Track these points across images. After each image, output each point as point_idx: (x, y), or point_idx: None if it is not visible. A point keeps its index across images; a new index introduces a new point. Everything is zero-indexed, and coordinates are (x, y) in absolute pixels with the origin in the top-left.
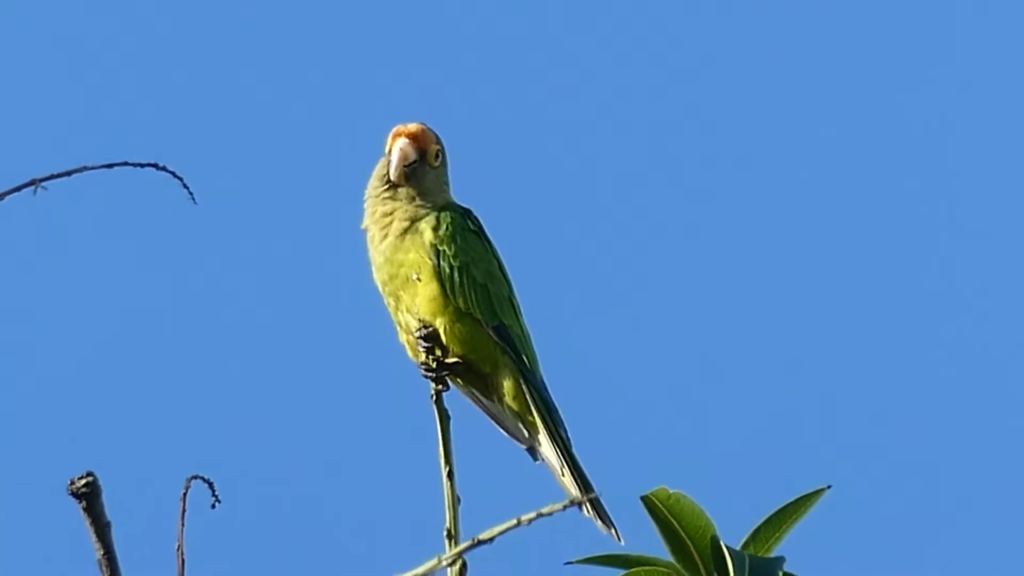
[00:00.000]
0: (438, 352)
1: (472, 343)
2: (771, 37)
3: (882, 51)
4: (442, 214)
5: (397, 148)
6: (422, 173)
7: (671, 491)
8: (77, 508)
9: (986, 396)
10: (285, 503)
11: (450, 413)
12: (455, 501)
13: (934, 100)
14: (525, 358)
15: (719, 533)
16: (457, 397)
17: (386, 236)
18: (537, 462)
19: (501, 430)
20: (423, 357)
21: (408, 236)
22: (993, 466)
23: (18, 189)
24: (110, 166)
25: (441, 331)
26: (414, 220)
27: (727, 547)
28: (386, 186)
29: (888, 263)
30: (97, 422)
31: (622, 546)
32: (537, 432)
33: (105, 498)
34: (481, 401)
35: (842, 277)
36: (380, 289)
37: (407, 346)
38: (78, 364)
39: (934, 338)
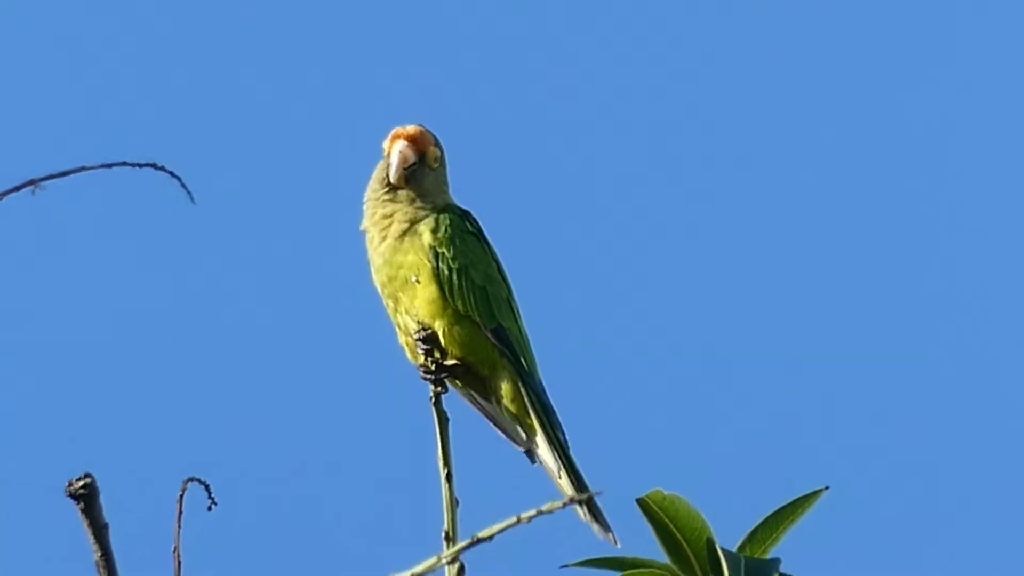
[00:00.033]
0: (437, 354)
1: (470, 345)
2: (771, 37)
3: (882, 51)
4: (441, 216)
5: (396, 151)
6: (421, 175)
7: (667, 493)
8: (75, 509)
9: (985, 396)
10: (283, 505)
11: (449, 415)
12: (453, 503)
13: (934, 100)
14: (523, 360)
15: (715, 535)
16: (456, 399)
17: (385, 238)
18: (535, 464)
19: (499, 432)
20: (422, 359)
21: (407, 238)
22: (991, 466)
23: (16, 189)
24: (108, 166)
25: (440, 333)
26: (413, 222)
27: (723, 549)
28: (386, 189)
29: (887, 262)
30: (95, 423)
31: (618, 548)
32: (535, 434)
33: (103, 500)
34: (479, 403)
35: (840, 277)
36: (379, 291)
37: (406, 348)
38: (76, 365)
39: (932, 338)
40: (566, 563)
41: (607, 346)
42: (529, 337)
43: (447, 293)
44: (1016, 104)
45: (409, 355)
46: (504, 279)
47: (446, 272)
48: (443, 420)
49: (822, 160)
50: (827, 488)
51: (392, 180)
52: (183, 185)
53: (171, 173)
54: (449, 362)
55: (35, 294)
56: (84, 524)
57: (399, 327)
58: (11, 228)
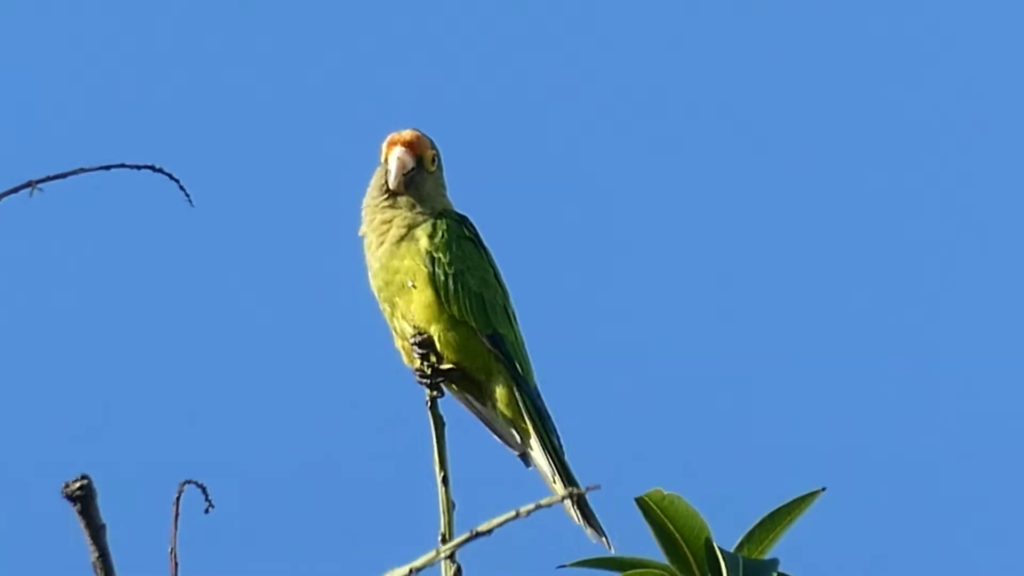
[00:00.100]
0: (433, 358)
1: (466, 351)
2: (771, 36)
3: (881, 51)
4: (438, 221)
5: (394, 157)
6: (420, 180)
7: (665, 493)
8: (72, 511)
9: (984, 396)
10: (279, 507)
11: (445, 419)
12: (450, 506)
13: (934, 100)
14: (519, 366)
15: (713, 535)
16: (452, 403)
17: (383, 243)
18: (530, 468)
19: (494, 436)
20: (418, 363)
21: (404, 243)
22: (990, 466)
23: (15, 191)
24: (107, 168)
25: (435, 338)
26: (411, 227)
27: (721, 549)
28: (385, 195)
29: (887, 262)
30: (92, 424)
31: (612, 552)
32: (529, 439)
33: (100, 501)
34: (475, 407)
35: (839, 276)
36: (376, 295)
37: (403, 352)
38: (74, 366)
39: (931, 337)
40: (564, 563)
41: (606, 346)
42: (525, 342)
43: (443, 298)
44: (1016, 104)
45: (406, 359)
46: (501, 284)
47: (442, 277)
48: (439, 424)
49: (822, 160)
50: (824, 489)
51: (391, 187)
52: (181, 187)
53: (169, 175)
54: (445, 366)
55: (33, 296)
56: (81, 525)
57: (396, 331)
58: (9, 230)
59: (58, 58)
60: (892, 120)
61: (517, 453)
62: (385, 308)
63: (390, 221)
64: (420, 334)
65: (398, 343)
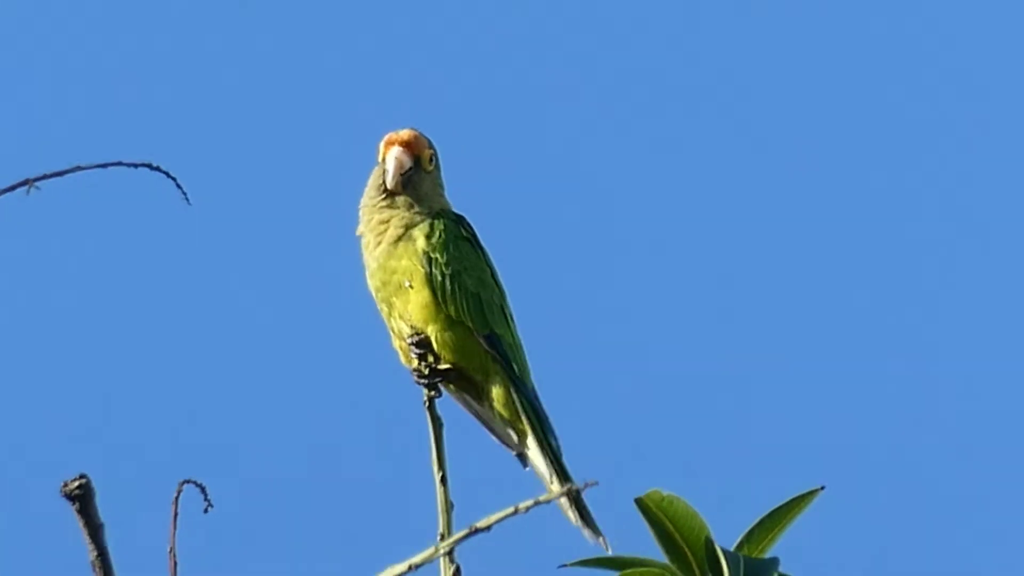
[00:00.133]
0: (430, 358)
1: (463, 351)
2: (771, 36)
3: (881, 51)
4: (435, 221)
5: (392, 157)
6: (418, 179)
7: (665, 493)
8: (71, 510)
9: (984, 396)
10: (277, 507)
11: (443, 419)
12: (448, 506)
13: (934, 100)
14: (515, 367)
15: (713, 534)
16: (449, 403)
17: (380, 243)
18: (527, 468)
19: (492, 436)
20: (416, 363)
21: (401, 243)
22: (991, 466)
23: (11, 189)
24: (104, 166)
25: (433, 338)
26: (409, 227)
27: (721, 548)
28: (383, 195)
29: (885, 262)
30: (90, 423)
31: (610, 552)
32: (526, 439)
33: (98, 500)
34: (473, 407)
35: (839, 276)
36: (373, 295)
37: (400, 352)
38: (71, 364)
39: (930, 338)
40: (564, 563)
41: (605, 346)
42: (522, 343)
43: (440, 298)
44: (1016, 104)
45: (403, 359)
46: (498, 285)
47: (439, 277)
48: (437, 424)
49: (822, 160)
50: (823, 488)
51: (389, 187)
52: (178, 186)
53: (166, 173)
54: (443, 367)
55: (31, 294)
56: (80, 524)
57: (393, 331)
58: (5, 228)
59: (55, 56)
60: (892, 120)
61: (515, 453)
62: (383, 308)
63: (387, 221)
64: (417, 334)
65: (396, 343)
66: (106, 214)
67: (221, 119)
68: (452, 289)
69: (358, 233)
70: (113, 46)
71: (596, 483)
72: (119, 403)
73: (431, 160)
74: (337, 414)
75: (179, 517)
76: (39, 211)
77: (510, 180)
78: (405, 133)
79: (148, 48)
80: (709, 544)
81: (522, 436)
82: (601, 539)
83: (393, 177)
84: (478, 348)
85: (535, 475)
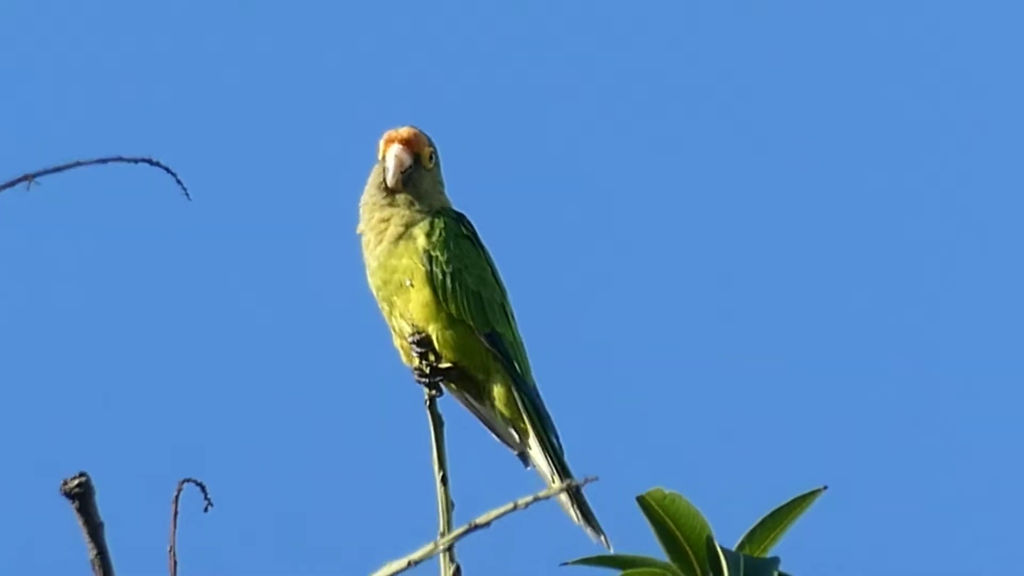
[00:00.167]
0: (431, 357)
1: (464, 349)
2: (771, 36)
3: (881, 51)
4: (436, 219)
5: (392, 155)
6: (418, 177)
7: (667, 491)
8: (70, 508)
9: (984, 396)
10: (277, 507)
11: (443, 418)
12: (449, 506)
13: (934, 100)
14: (517, 365)
15: (715, 534)
16: (450, 402)
17: (381, 241)
18: (528, 467)
19: (493, 435)
20: (417, 362)
21: (402, 241)
22: (991, 466)
23: (11, 184)
24: (103, 161)
25: (433, 337)
26: (409, 225)
27: (722, 548)
28: (384, 193)
29: (885, 262)
30: (90, 421)
31: (612, 551)
32: (528, 438)
33: (98, 499)
34: (474, 406)
35: (839, 276)
36: (374, 294)
37: (401, 351)
38: (71, 362)
39: (930, 338)
40: (566, 561)
41: (606, 345)
42: (523, 341)
43: (441, 297)
44: (1016, 104)
45: (404, 358)
46: (498, 283)
47: (440, 276)
48: (438, 423)
49: (822, 160)
50: (826, 488)
51: (389, 185)
52: (178, 181)
53: (167, 169)
54: (443, 365)
55: (31, 290)
56: (79, 523)
57: (394, 330)
58: (5, 224)
59: (55, 52)
60: (892, 120)
61: (516, 452)
62: (383, 307)
63: (388, 219)
64: (418, 333)
65: (397, 342)
66: (106, 210)
67: (221, 118)
68: (453, 287)
69: (358, 231)
70: (113, 45)
71: (596, 479)
72: (119, 400)
73: (431, 158)
74: (337, 413)
75: (179, 516)
76: (39, 206)
77: (510, 180)
78: (405, 131)
79: (148, 47)
80: (710, 543)
81: (523, 435)
82: (603, 537)
83: (393, 175)
84: (479, 346)
85: (536, 475)
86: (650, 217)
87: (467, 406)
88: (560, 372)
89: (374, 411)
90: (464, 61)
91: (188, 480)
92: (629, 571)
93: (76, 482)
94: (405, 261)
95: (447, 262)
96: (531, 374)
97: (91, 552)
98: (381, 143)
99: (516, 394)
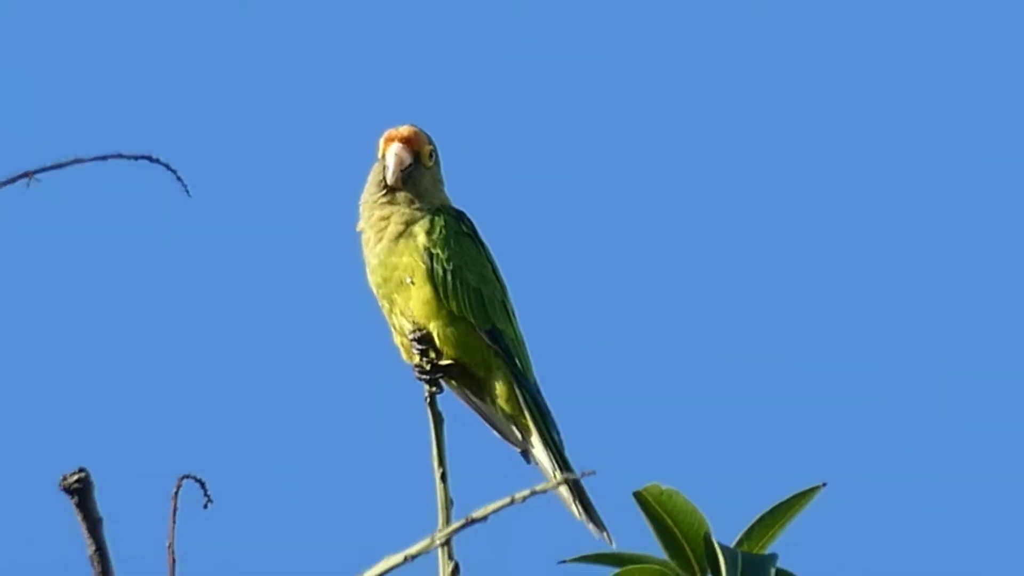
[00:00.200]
0: (432, 354)
1: (465, 346)
2: (771, 36)
3: (881, 51)
4: (436, 217)
5: (392, 153)
6: (418, 175)
7: (664, 487)
8: (69, 504)
9: (984, 396)
10: (278, 503)
11: (444, 415)
12: (448, 503)
13: (934, 100)
14: (518, 361)
15: (713, 530)
16: (451, 399)
17: (381, 239)
18: (530, 464)
19: (494, 432)
20: (417, 359)
21: (402, 239)
22: (991, 466)
23: (11, 181)
24: (104, 158)
25: (434, 334)
26: (409, 223)
27: (720, 544)
28: (383, 191)
29: (885, 262)
30: (89, 418)
31: (613, 547)
32: (530, 435)
33: (97, 494)
34: (474, 403)
35: (839, 276)
36: (374, 291)
37: (401, 348)
38: (70, 359)
39: (930, 338)
40: (564, 559)
41: (605, 341)
42: (524, 338)
43: (441, 294)
44: (1016, 104)
45: (404, 355)
46: (499, 280)
47: (440, 273)
48: (438, 420)
49: (822, 160)
50: (824, 484)
51: (389, 182)
52: (179, 178)
53: (166, 166)
54: (444, 362)
55: (30, 287)
56: (79, 518)
57: (395, 328)
58: (5, 220)
59: (55, 49)
60: (892, 120)
61: (518, 450)
62: (384, 304)
63: (388, 217)
64: (419, 330)
65: (397, 339)
66: (106, 207)
67: (222, 117)
68: (453, 284)
69: (358, 229)
70: (113, 44)
71: (593, 472)
72: (119, 396)
73: (431, 156)
74: (337, 410)
75: (178, 512)
76: (39, 203)
77: (510, 179)
78: (405, 129)
79: (148, 46)
80: (708, 540)
81: (525, 432)
82: (605, 534)
83: (393, 173)
84: (480, 343)
85: (538, 472)
86: (650, 216)
87: (468, 403)
88: (559, 369)
89: (374, 408)
90: (464, 61)
91: (187, 476)
92: (627, 568)
93: (75, 478)
94: (405, 259)
95: (448, 259)
96: (532, 370)
97: (90, 548)
98: (381, 141)
99: (517, 391)
